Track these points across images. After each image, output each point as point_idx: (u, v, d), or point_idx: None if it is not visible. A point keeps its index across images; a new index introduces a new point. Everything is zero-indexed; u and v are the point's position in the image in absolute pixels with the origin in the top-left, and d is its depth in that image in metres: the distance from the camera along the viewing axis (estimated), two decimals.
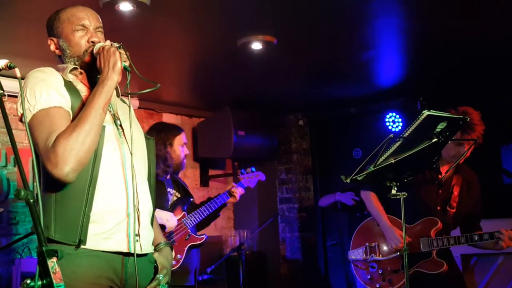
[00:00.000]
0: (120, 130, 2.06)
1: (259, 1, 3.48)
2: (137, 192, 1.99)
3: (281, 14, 3.71)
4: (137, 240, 1.97)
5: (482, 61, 4.80)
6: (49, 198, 1.90)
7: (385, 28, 4.10)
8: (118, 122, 2.07)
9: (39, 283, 1.47)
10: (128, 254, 1.97)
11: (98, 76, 1.97)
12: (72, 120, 1.91)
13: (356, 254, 3.73)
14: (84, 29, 2.07)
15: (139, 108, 5.72)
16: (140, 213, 2.00)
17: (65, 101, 1.93)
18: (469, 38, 4.26)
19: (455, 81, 5.30)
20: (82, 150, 1.82)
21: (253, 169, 4.21)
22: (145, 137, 2.21)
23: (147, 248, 2.05)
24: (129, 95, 2.02)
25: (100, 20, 2.15)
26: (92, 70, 2.04)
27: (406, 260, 2.85)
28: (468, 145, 3.13)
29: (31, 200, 1.55)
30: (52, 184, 1.87)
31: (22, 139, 4.66)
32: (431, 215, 3.47)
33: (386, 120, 5.83)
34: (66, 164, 1.80)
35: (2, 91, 1.70)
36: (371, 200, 3.66)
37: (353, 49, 4.48)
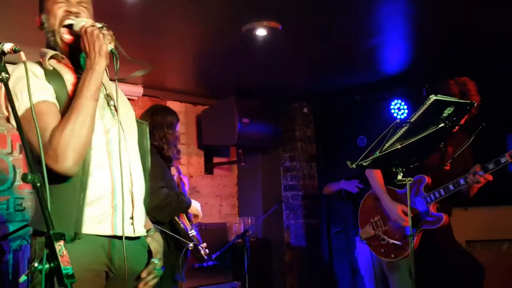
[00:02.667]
0: (114, 111, 2.03)
1: None
2: (130, 174, 1.98)
3: (286, 0, 3.68)
4: (131, 224, 1.96)
5: (489, 48, 4.77)
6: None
7: (390, 15, 4.07)
8: (112, 103, 2.04)
9: (47, 266, 1.47)
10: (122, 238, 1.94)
11: (83, 59, 1.93)
12: (61, 109, 1.87)
13: (366, 232, 3.79)
14: (65, 2, 2.00)
15: (143, 95, 5.72)
16: (134, 195, 1.98)
17: (48, 93, 1.87)
18: (476, 24, 4.22)
19: (461, 68, 5.27)
20: (80, 142, 1.80)
21: None
22: (137, 121, 2.18)
23: (141, 230, 2.03)
24: (116, 80, 1.96)
25: None
26: (75, 51, 1.97)
27: (412, 246, 2.85)
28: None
29: (38, 184, 1.54)
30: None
31: None
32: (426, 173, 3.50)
33: (391, 107, 5.81)
34: (66, 158, 1.77)
35: (8, 75, 1.70)
36: (374, 176, 3.74)
37: (358, 36, 4.46)
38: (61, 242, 1.51)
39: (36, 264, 1.48)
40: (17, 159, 4.76)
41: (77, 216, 1.84)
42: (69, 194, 1.85)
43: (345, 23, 4.14)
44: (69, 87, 1.93)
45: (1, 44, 1.72)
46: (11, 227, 4.53)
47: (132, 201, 1.97)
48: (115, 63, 1.89)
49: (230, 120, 5.78)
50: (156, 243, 2.15)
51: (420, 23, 4.23)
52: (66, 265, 1.48)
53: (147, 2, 3.49)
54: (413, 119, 2.62)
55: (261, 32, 4.09)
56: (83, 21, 1.94)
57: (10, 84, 1.80)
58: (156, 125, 3.61)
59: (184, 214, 3.61)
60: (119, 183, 1.92)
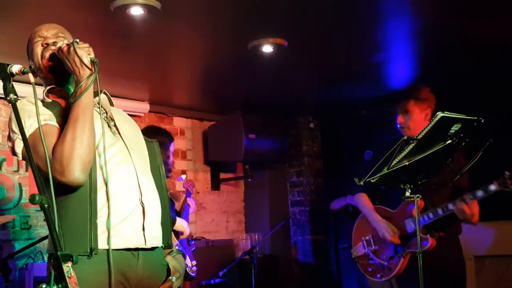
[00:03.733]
0: (114, 129, 2.06)
1: (270, 3, 3.47)
2: (139, 186, 1.98)
3: (292, 17, 3.70)
4: (143, 234, 1.95)
5: (495, 62, 4.77)
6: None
7: (396, 30, 4.07)
8: (112, 123, 2.08)
9: (54, 287, 1.47)
10: (137, 249, 1.95)
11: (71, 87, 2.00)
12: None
13: (357, 251, 3.78)
14: (41, 39, 2.07)
15: (149, 112, 5.74)
16: (145, 205, 1.97)
17: (48, 117, 1.92)
18: (482, 39, 4.22)
19: (467, 82, 5.26)
20: (82, 149, 1.81)
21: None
22: (146, 140, 2.21)
23: (154, 242, 2.02)
24: (98, 88, 1.97)
25: (61, 27, 2.14)
26: (62, 75, 2.01)
27: (421, 262, 2.82)
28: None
29: (46, 205, 1.55)
30: (55, 199, 1.84)
31: None
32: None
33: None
34: (72, 168, 1.79)
35: (15, 96, 1.71)
36: (361, 200, 3.78)
37: (364, 51, 4.46)
38: (69, 263, 1.51)
39: (44, 286, 1.48)
40: (24, 177, 4.77)
41: (91, 232, 1.85)
42: (80, 210, 1.86)
43: (351, 39, 4.15)
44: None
45: (10, 65, 1.73)
46: (17, 246, 4.53)
47: (143, 211, 1.97)
48: (95, 71, 1.89)
49: (237, 136, 5.78)
50: (176, 262, 2.14)
51: (426, 38, 4.24)
52: (74, 287, 1.48)
53: (154, 18, 3.51)
54: (420, 136, 2.61)
55: (267, 48, 4.10)
56: (59, 44, 1.97)
57: (10, 117, 1.88)
58: None
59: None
60: (127, 194, 1.94)
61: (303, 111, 6.54)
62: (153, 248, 2.02)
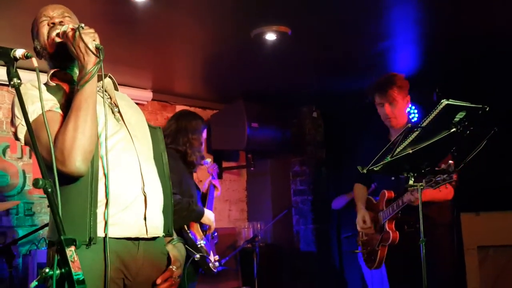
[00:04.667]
0: (118, 116, 2.04)
1: None
2: (141, 174, 1.97)
3: (296, 4, 3.67)
4: (144, 224, 1.94)
5: (499, 51, 4.74)
6: None
7: (400, 18, 4.05)
8: (116, 109, 2.06)
9: (58, 271, 1.47)
10: (137, 239, 1.94)
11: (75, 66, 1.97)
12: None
13: (359, 239, 3.85)
14: (47, 18, 2.05)
15: (152, 100, 5.73)
16: (147, 195, 1.96)
17: (52, 103, 1.90)
18: (485, 28, 4.20)
19: (471, 71, 5.24)
20: (84, 140, 1.80)
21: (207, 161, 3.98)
22: (150, 126, 2.20)
23: (155, 231, 2.01)
24: (103, 74, 1.96)
25: (66, 8, 2.12)
26: (67, 57, 1.96)
27: (424, 251, 2.80)
28: None
29: (49, 189, 1.54)
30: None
31: None
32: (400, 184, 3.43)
33: None
34: (73, 157, 1.77)
35: (19, 81, 1.70)
36: (354, 190, 3.88)
37: (368, 39, 4.44)
38: (72, 248, 1.50)
39: (47, 270, 1.48)
40: (27, 164, 4.77)
41: (90, 221, 1.84)
42: (80, 199, 1.85)
43: (354, 27, 4.13)
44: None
45: (13, 50, 1.72)
46: (21, 232, 4.55)
47: (145, 201, 1.95)
48: (101, 58, 1.87)
49: (239, 125, 5.77)
50: (176, 251, 2.13)
51: (429, 27, 4.22)
52: (77, 271, 1.47)
53: (157, 7, 3.50)
54: (424, 124, 2.59)
55: (270, 36, 4.08)
56: (64, 28, 1.95)
57: (14, 101, 1.87)
58: (180, 129, 3.57)
59: (198, 224, 3.55)
60: (129, 183, 1.93)
61: (306, 100, 6.52)
62: (154, 238, 2.02)
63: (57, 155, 1.76)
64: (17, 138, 1.93)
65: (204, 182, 4.09)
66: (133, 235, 1.92)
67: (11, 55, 1.72)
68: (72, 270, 1.46)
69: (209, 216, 3.58)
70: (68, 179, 1.83)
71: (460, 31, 4.28)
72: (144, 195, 1.96)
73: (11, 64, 1.72)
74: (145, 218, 1.95)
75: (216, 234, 3.90)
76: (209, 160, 3.96)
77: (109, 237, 1.86)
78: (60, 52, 1.98)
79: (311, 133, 6.68)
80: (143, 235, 1.94)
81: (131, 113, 2.12)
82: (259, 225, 6.16)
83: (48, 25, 2.03)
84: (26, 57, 1.73)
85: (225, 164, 6.56)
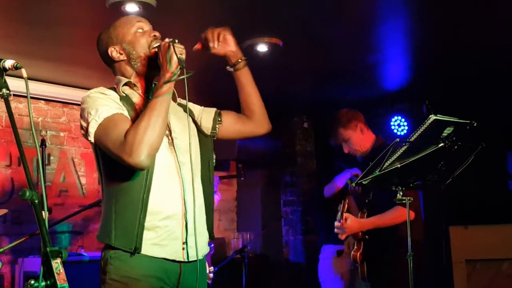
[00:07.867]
0: (170, 139, 2.10)
1: (265, 3, 3.47)
2: (184, 201, 2.03)
3: (287, 16, 3.70)
4: (183, 248, 2.02)
5: (488, 66, 4.79)
6: (110, 209, 1.99)
7: (391, 31, 4.09)
8: (167, 131, 2.10)
9: (43, 283, 1.47)
10: (179, 262, 2.02)
11: (154, 83, 2.10)
12: None
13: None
14: (146, 30, 2.18)
15: None
16: (188, 222, 2.03)
17: (123, 110, 2.01)
18: (476, 42, 4.24)
19: (461, 85, 5.28)
20: (154, 136, 1.88)
21: None
22: (201, 134, 2.30)
23: (195, 255, 2.06)
24: (186, 88, 2.07)
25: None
26: (151, 70, 2.12)
27: (411, 265, 2.82)
28: None
29: (36, 201, 1.54)
30: (113, 194, 1.99)
31: (27, 139, 4.66)
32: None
33: (391, 123, 5.81)
34: (140, 151, 1.85)
35: (8, 91, 1.70)
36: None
37: (359, 51, 4.47)
38: (58, 260, 1.50)
39: (32, 282, 1.47)
40: (16, 171, 4.75)
41: (137, 233, 1.95)
42: (131, 213, 1.96)
43: (346, 40, 4.16)
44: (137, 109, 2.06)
45: (3, 60, 1.72)
46: (8, 241, 4.52)
47: (186, 227, 2.03)
48: (184, 71, 2.01)
49: None
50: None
51: (420, 40, 4.25)
52: (62, 283, 1.47)
53: (149, 16, 3.49)
54: (412, 139, 2.61)
55: (262, 48, 4.10)
56: (166, 40, 2.08)
57: (88, 101, 2.00)
58: None
59: None
60: (175, 208, 2.02)
61: (297, 111, 6.54)
62: (195, 260, 2.08)
63: (125, 148, 1.86)
64: (86, 134, 2.00)
65: None
66: (174, 259, 2.01)
67: (0, 66, 1.73)
68: (58, 282, 1.45)
69: None
70: (125, 175, 1.95)
71: (450, 45, 4.32)
72: (185, 221, 2.03)
73: (0, 74, 1.72)
74: (185, 243, 2.03)
75: (212, 245, 3.89)
76: None
77: (155, 257, 1.97)
78: (151, 61, 2.11)
79: (302, 144, 6.69)
80: (184, 259, 2.03)
81: (180, 129, 2.16)
82: (248, 236, 6.16)
83: (150, 36, 2.15)
84: (16, 67, 1.73)
85: (215, 174, 6.54)
